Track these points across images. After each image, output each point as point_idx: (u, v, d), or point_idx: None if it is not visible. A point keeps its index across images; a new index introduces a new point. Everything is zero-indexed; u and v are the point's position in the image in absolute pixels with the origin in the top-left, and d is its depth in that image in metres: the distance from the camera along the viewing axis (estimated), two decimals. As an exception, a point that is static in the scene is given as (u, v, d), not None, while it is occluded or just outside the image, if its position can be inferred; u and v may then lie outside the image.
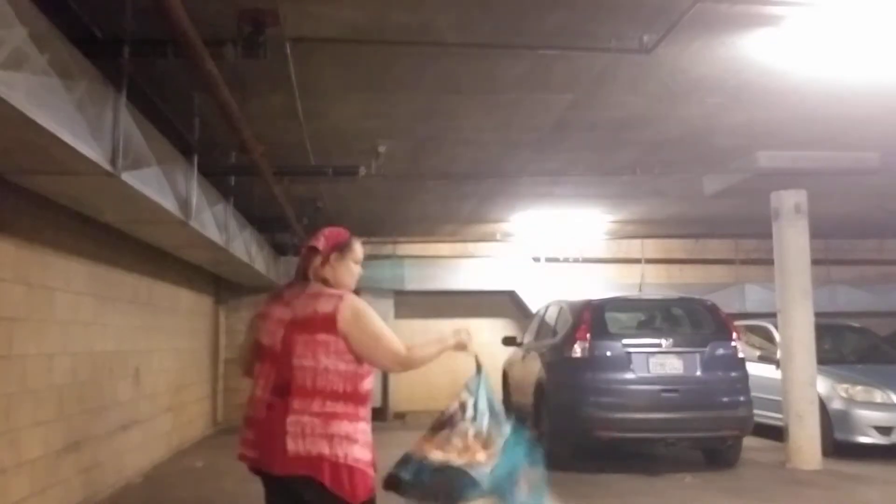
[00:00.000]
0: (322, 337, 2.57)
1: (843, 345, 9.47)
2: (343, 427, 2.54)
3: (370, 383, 2.67)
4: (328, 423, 2.52)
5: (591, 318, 7.40)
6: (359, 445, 2.55)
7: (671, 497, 6.23)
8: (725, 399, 7.13)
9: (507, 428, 2.86)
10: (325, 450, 2.50)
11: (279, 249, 10.59)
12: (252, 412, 2.64)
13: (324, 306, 2.61)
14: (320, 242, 2.77)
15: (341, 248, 2.77)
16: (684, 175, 7.71)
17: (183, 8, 3.27)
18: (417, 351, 2.72)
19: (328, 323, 2.58)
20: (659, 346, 7.23)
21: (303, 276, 2.75)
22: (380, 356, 2.65)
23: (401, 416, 11.81)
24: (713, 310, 7.79)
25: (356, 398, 2.60)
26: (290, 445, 2.50)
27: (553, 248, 12.32)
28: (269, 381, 2.60)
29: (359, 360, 2.60)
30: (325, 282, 2.72)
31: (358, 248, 2.83)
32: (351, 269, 2.79)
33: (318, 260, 2.73)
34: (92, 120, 3.66)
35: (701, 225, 11.25)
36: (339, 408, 2.55)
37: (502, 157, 7.13)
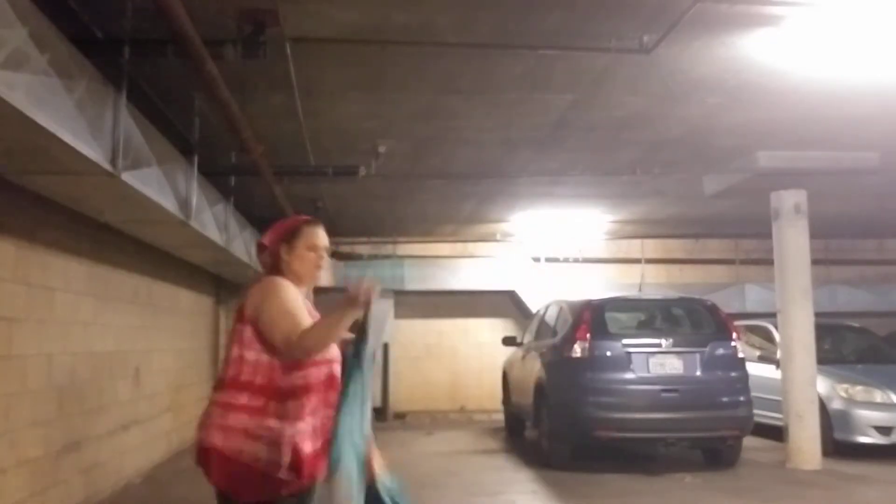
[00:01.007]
0: (237, 326, 2.47)
1: (842, 345, 9.46)
2: (241, 420, 2.35)
3: (303, 378, 2.40)
4: (226, 413, 2.38)
5: (591, 318, 7.40)
6: (263, 444, 2.33)
7: (671, 497, 6.23)
8: (725, 399, 7.13)
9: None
10: (218, 442, 2.35)
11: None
12: None
13: (243, 296, 2.51)
14: (266, 238, 2.61)
15: (289, 239, 2.57)
16: (684, 175, 7.71)
17: (183, 8, 3.27)
18: (311, 333, 2.34)
19: (240, 311, 2.48)
20: (659, 346, 7.23)
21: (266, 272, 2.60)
22: (275, 337, 2.38)
23: (401, 416, 11.82)
24: (713, 310, 7.79)
25: (270, 392, 2.37)
26: (197, 434, 2.44)
27: (553, 248, 12.31)
28: None
29: (270, 347, 2.39)
30: (280, 276, 2.54)
31: (310, 233, 2.59)
32: (304, 257, 2.56)
33: (264, 256, 2.59)
34: (92, 120, 3.66)
35: (701, 225, 11.26)
36: (242, 399, 2.38)
37: (502, 157, 7.13)
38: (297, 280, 2.55)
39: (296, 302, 2.45)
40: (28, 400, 4.73)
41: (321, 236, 2.62)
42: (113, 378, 6.28)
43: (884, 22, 4.19)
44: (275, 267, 2.56)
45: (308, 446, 2.37)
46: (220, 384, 2.46)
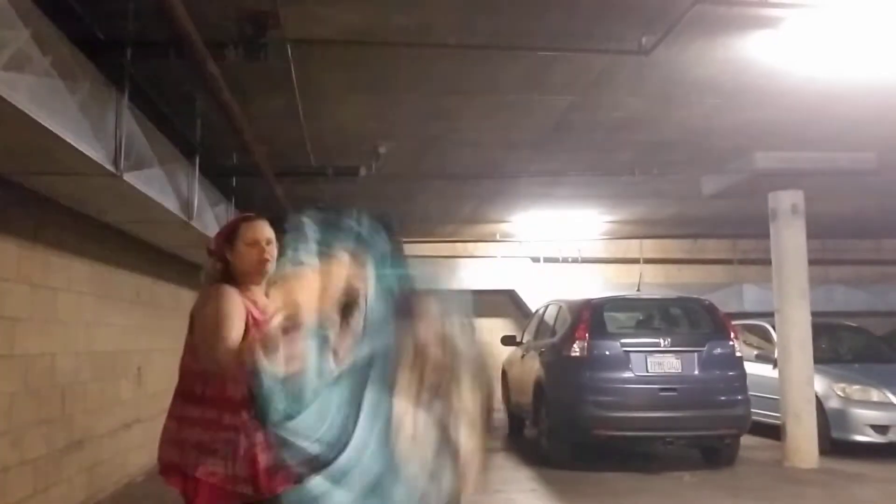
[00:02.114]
0: (188, 336, 2.41)
1: (840, 344, 9.49)
2: (195, 434, 2.30)
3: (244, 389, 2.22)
4: (181, 427, 2.34)
5: (590, 317, 7.42)
6: (219, 458, 2.25)
7: (670, 495, 6.25)
8: (723, 398, 7.15)
9: None
10: (175, 457, 2.32)
11: (279, 250, 10.59)
12: None
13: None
14: (212, 243, 2.57)
15: (230, 239, 2.51)
16: (682, 175, 7.74)
17: (185, 10, 3.30)
18: (230, 350, 2.19)
19: (189, 321, 2.41)
20: (657, 345, 7.26)
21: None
22: (197, 340, 2.32)
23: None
24: (711, 309, 7.82)
25: (222, 403, 2.28)
26: (159, 451, 2.41)
27: (552, 248, 12.34)
28: None
29: None
30: (231, 280, 2.46)
31: (247, 228, 2.52)
32: (246, 253, 2.47)
33: (213, 262, 2.52)
34: (94, 121, 3.68)
35: (699, 225, 11.29)
36: (195, 412, 2.32)
37: (502, 157, 7.15)
38: (247, 279, 2.46)
39: (231, 311, 2.29)
40: (31, 399, 4.75)
41: (260, 229, 2.52)
42: (115, 377, 6.30)
43: (881, 23, 4.22)
44: (225, 271, 2.48)
45: (266, 458, 2.21)
46: (174, 396, 2.42)
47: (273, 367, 1.91)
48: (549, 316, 8.67)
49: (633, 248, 12.54)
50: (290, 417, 1.92)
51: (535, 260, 12.45)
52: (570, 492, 6.33)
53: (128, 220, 5.61)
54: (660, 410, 7.03)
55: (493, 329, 12.03)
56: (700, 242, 12.58)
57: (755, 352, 9.02)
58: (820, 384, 7.82)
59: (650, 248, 12.57)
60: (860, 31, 4.31)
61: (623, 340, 7.29)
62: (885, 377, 8.12)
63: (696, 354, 7.22)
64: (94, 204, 4.95)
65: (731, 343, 7.39)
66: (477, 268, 12.27)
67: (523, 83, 5.12)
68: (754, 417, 7.46)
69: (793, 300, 7.57)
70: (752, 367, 7.99)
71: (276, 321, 1.97)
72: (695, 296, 8.83)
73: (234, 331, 2.24)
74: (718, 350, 7.31)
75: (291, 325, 1.94)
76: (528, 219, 10.50)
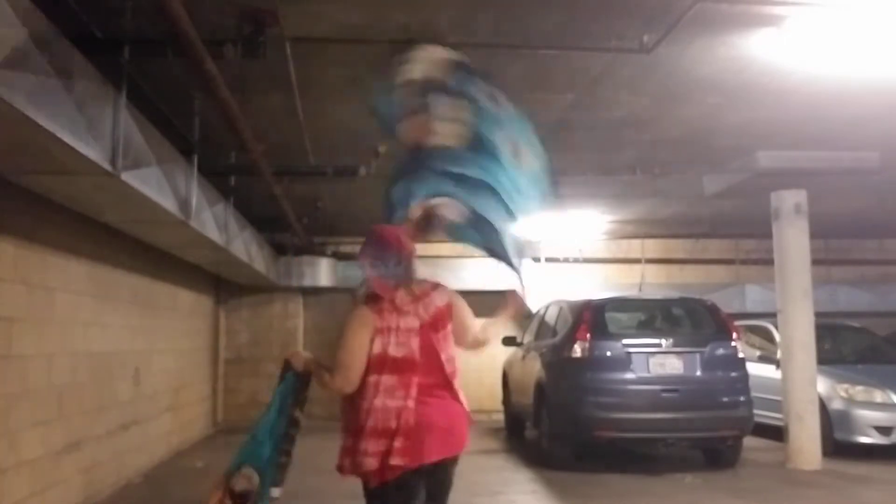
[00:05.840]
0: (448, 329, 3.07)
1: (842, 345, 9.46)
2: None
3: None
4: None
5: (591, 317, 7.39)
6: None
7: (671, 497, 6.23)
8: (725, 399, 7.12)
9: None
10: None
11: (279, 249, 10.59)
12: (397, 422, 2.71)
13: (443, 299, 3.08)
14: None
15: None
16: (684, 175, 7.71)
17: (183, 8, 3.27)
18: None
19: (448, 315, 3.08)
20: (659, 346, 7.23)
21: (407, 278, 3.04)
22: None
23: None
24: (713, 310, 7.79)
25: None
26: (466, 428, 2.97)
27: (553, 248, 12.31)
28: (413, 387, 2.79)
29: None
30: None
31: None
32: None
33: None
34: (92, 120, 3.66)
35: (701, 225, 11.25)
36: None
37: (502, 156, 7.11)
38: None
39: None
40: (28, 400, 4.73)
41: None
42: (113, 378, 6.28)
43: (884, 21, 4.19)
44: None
45: None
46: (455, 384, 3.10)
47: None
48: (550, 316, 8.64)
49: (634, 247, 12.51)
50: None
51: (536, 260, 12.41)
52: (571, 493, 6.30)
53: (125, 220, 5.58)
54: (661, 412, 7.00)
55: (493, 329, 12.00)
56: (702, 242, 12.54)
57: (758, 352, 8.99)
58: (823, 385, 7.79)
59: (652, 247, 12.54)
60: (863, 29, 4.28)
61: (624, 341, 7.26)
62: (889, 378, 8.09)
63: (698, 355, 7.19)
64: (91, 203, 4.93)
65: (733, 344, 7.36)
66: (477, 268, 12.22)
67: (524, 82, 5.09)
68: (757, 419, 7.42)
69: (795, 300, 7.54)
70: (754, 368, 7.97)
71: None
72: (697, 296, 8.79)
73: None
74: (720, 351, 7.28)
75: None
76: (528, 218, 10.45)
